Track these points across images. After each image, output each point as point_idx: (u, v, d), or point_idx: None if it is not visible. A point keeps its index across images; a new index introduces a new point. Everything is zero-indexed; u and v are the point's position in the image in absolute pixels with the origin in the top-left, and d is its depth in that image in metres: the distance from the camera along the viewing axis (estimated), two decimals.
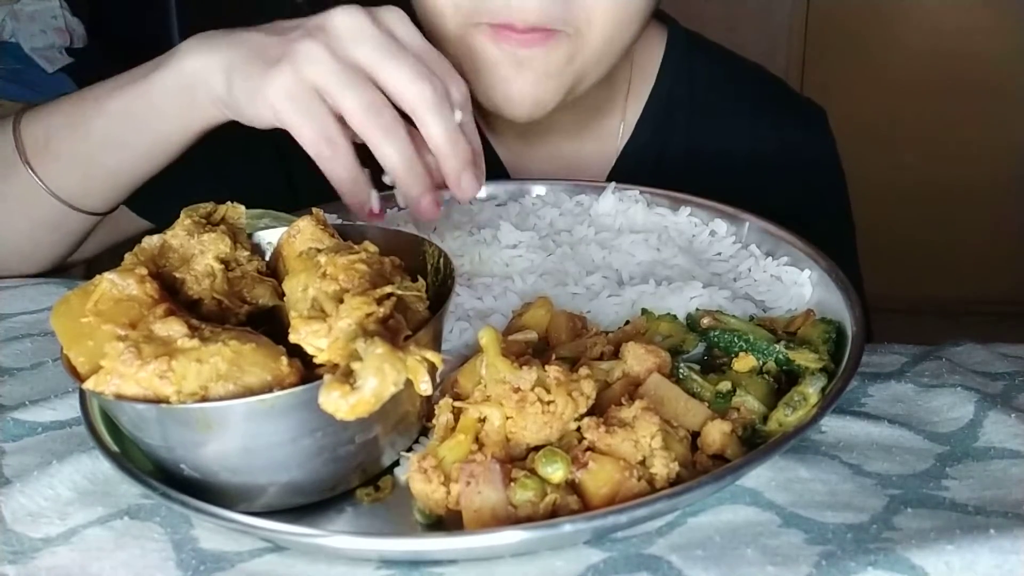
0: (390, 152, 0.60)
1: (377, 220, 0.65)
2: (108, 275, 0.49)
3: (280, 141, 0.64)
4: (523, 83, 0.77)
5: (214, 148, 0.72)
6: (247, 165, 0.89)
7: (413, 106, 0.60)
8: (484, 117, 0.93)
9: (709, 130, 0.96)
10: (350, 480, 0.51)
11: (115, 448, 0.50)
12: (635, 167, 0.94)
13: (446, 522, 0.48)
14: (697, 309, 0.62)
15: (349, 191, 0.62)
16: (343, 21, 0.60)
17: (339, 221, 0.75)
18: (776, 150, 0.96)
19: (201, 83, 0.65)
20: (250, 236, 0.59)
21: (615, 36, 0.78)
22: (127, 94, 0.69)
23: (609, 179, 0.93)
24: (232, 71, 0.63)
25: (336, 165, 0.61)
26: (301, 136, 0.60)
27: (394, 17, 0.62)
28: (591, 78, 0.80)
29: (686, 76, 0.96)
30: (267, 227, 0.60)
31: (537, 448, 0.48)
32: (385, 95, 0.60)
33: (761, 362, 0.56)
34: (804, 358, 0.55)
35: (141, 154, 0.72)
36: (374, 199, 0.63)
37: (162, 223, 0.91)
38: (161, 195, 0.75)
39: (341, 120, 0.60)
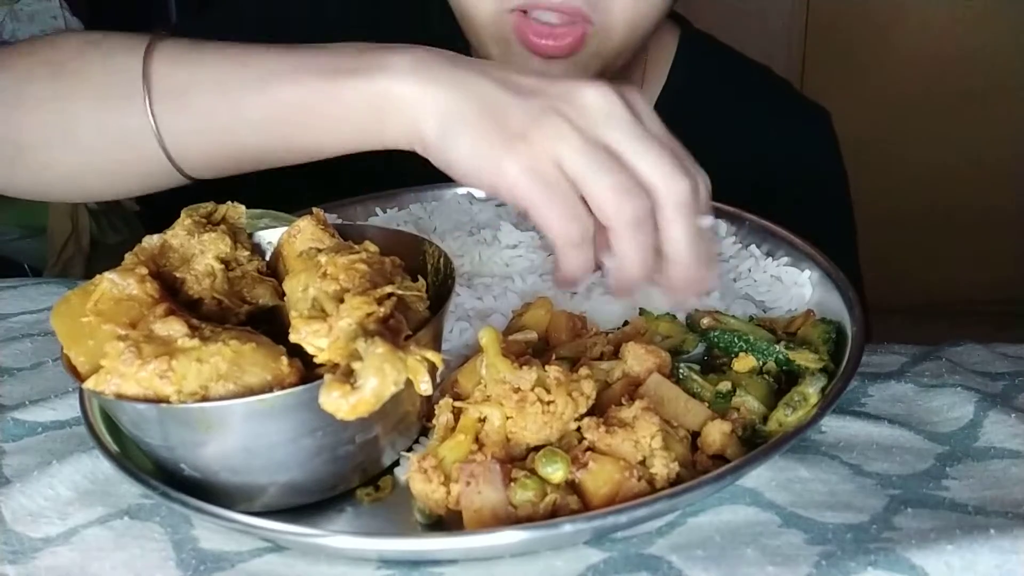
0: (633, 247, 0.55)
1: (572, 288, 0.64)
2: (108, 275, 0.49)
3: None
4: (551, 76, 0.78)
5: None
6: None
7: (665, 203, 0.55)
8: None
9: (717, 127, 0.97)
10: (350, 480, 0.51)
11: (115, 448, 0.50)
12: None
13: (446, 522, 0.48)
14: (697, 309, 0.62)
15: (577, 274, 0.57)
16: (595, 100, 0.55)
17: (339, 221, 0.75)
18: (780, 149, 0.97)
19: (405, 114, 0.57)
20: (250, 236, 0.59)
21: (637, 25, 0.79)
22: (306, 87, 0.60)
23: None
24: (459, 125, 0.56)
25: (578, 253, 0.56)
26: (545, 218, 0.55)
27: (641, 101, 0.57)
28: (611, 67, 0.82)
29: (696, 74, 0.97)
30: (267, 227, 0.60)
31: (537, 448, 0.48)
32: None
33: (761, 362, 0.56)
34: (804, 358, 0.55)
35: (291, 149, 0.64)
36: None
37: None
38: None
39: None
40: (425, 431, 0.53)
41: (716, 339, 0.59)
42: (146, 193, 0.72)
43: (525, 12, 0.76)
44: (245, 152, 0.65)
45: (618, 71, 0.84)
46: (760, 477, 0.50)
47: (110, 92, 0.64)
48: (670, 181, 0.54)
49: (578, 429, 0.49)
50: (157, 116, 0.63)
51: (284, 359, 0.46)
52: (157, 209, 0.91)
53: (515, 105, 0.55)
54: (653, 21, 0.81)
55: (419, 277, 0.53)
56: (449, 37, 0.85)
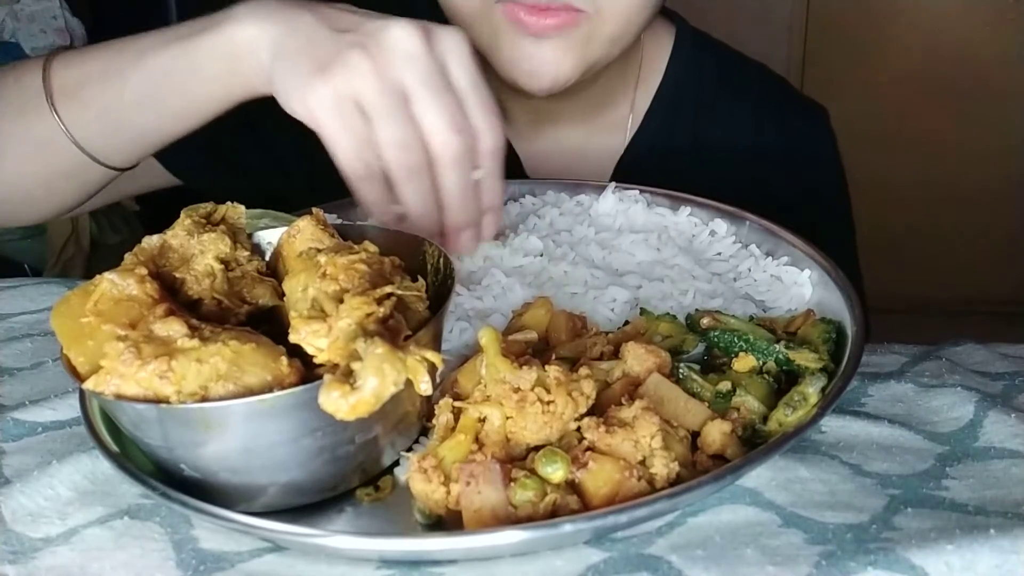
0: (409, 194, 0.61)
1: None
2: (108, 275, 0.49)
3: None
4: (542, 59, 0.79)
5: (247, 104, 0.70)
6: (280, 126, 0.88)
7: (436, 154, 0.60)
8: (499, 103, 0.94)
9: (713, 125, 0.97)
10: (350, 480, 0.51)
11: (115, 448, 0.50)
12: (642, 158, 0.95)
13: (446, 522, 0.48)
14: (697, 309, 0.62)
15: (376, 213, 0.63)
16: (400, 39, 0.59)
17: (339, 221, 0.75)
18: (778, 147, 0.97)
19: (249, 54, 0.64)
20: (250, 236, 0.59)
21: (631, 17, 0.80)
22: (170, 52, 0.67)
23: (617, 169, 0.94)
24: (280, 56, 0.62)
25: (366, 185, 0.62)
26: (336, 147, 0.60)
27: (451, 44, 0.61)
28: (606, 59, 0.82)
29: (693, 72, 0.97)
30: (267, 227, 0.60)
31: (537, 448, 0.48)
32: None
33: (761, 362, 0.56)
34: (804, 358, 0.55)
35: (175, 114, 0.70)
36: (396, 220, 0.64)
37: (187, 177, 0.86)
38: (190, 148, 0.74)
39: None
40: (425, 431, 0.53)
41: (716, 339, 0.59)
42: (87, 197, 0.80)
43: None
44: (143, 128, 0.72)
45: (613, 65, 0.84)
46: (760, 477, 0.50)
47: (23, 106, 0.72)
48: (444, 136, 0.60)
49: (578, 429, 0.49)
50: (62, 116, 0.71)
51: (284, 359, 0.46)
52: (157, 209, 0.91)
53: (328, 39, 0.61)
54: (648, 13, 0.81)
55: (419, 277, 0.53)
56: None
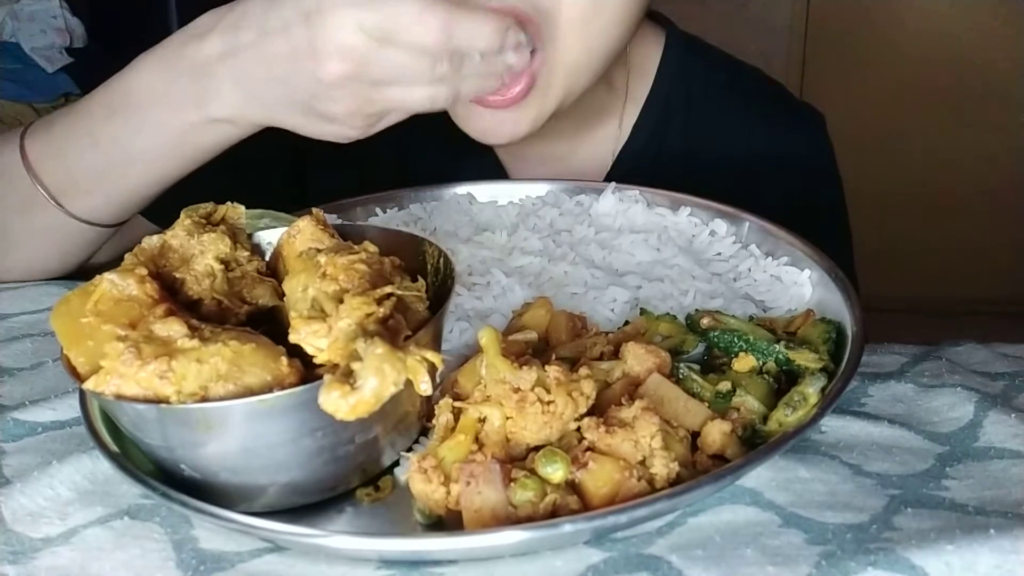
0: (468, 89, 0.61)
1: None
2: (108, 275, 0.49)
3: (296, 141, 0.64)
4: (496, 120, 0.76)
5: (227, 150, 0.70)
6: (262, 162, 0.85)
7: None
8: None
9: (706, 133, 0.95)
10: (350, 480, 0.51)
11: (115, 448, 0.50)
12: (632, 170, 0.93)
13: (446, 522, 0.48)
14: (697, 309, 0.62)
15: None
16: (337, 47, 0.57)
17: (339, 221, 0.75)
18: (773, 153, 0.95)
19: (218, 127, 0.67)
20: (250, 236, 0.59)
21: (592, 48, 0.75)
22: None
23: (607, 181, 0.93)
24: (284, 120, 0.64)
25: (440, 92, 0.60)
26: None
27: (330, 26, 0.57)
28: (576, 91, 0.78)
29: (683, 79, 0.95)
30: (267, 227, 0.60)
31: (537, 448, 0.48)
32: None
33: (761, 362, 0.56)
34: (804, 358, 0.55)
35: (171, 165, 0.71)
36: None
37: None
38: (173, 201, 0.74)
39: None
40: (425, 431, 0.53)
41: (716, 339, 0.59)
42: (94, 251, 0.81)
43: None
44: (142, 186, 0.73)
45: (595, 82, 0.80)
46: (760, 477, 0.50)
47: (24, 202, 0.73)
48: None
49: (578, 429, 0.49)
50: (66, 207, 0.73)
51: (284, 359, 0.46)
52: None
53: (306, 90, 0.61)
54: (616, 38, 0.76)
55: (419, 277, 0.53)
56: None
